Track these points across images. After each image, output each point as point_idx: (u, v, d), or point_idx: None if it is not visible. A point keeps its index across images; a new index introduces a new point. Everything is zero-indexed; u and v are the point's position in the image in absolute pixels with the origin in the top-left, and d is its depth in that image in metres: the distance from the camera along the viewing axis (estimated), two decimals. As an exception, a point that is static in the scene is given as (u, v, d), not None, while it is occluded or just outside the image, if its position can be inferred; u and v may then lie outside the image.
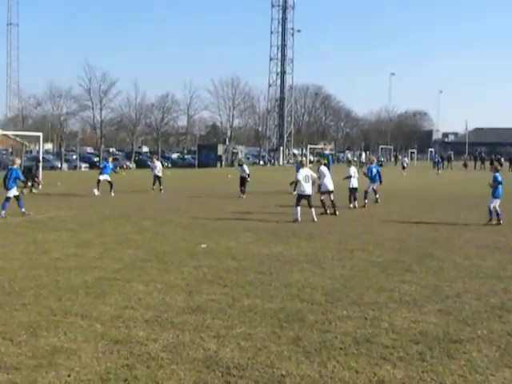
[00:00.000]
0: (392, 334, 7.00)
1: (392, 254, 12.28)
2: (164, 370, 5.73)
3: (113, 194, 25.84)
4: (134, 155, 77.39)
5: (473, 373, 5.84)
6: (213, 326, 7.13)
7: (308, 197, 17.61)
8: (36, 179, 27.65)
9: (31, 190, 26.67)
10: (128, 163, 72.91)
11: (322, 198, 19.75)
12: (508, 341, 6.82)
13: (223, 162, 77.28)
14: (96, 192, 25.83)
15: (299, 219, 17.17)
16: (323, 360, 6.12)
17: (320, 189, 19.95)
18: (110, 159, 29.71)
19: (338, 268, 10.76)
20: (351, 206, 21.92)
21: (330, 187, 19.97)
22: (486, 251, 12.77)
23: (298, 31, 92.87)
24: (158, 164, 29.90)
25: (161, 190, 28.65)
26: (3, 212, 17.48)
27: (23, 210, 17.98)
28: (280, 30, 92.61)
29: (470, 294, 8.98)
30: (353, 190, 22.29)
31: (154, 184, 29.28)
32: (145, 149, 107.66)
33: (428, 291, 9.10)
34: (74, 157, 72.70)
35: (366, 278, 9.94)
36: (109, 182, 26.67)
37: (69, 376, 5.54)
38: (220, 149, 78.40)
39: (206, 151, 78.47)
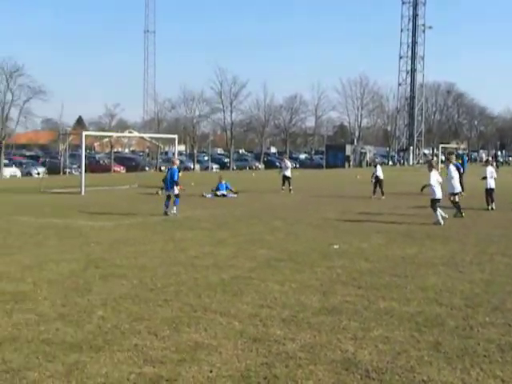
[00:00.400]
0: (540, 343, 6.62)
1: (536, 258, 11.62)
2: (303, 370, 5.77)
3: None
4: (262, 156, 78.69)
5: None
6: (349, 328, 7.09)
7: (438, 200, 16.97)
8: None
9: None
10: (257, 164, 74.28)
11: (452, 199, 19.02)
12: None
13: (351, 163, 76.68)
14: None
15: (441, 222, 16.59)
16: (466, 367, 5.90)
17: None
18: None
19: (476, 272, 10.34)
20: (489, 207, 20.99)
21: (457, 189, 19.17)
22: None
23: (430, 28, 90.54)
24: (289, 164, 30.29)
25: (290, 190, 28.85)
26: (174, 210, 18.35)
27: (174, 210, 18.50)
28: (410, 27, 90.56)
29: None
30: (489, 191, 21.33)
31: (283, 184, 29.44)
32: (273, 150, 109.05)
33: None
34: (206, 158, 75.14)
35: (507, 284, 9.47)
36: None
37: (211, 372, 5.72)
38: (348, 149, 77.88)
39: (333, 151, 78.28)
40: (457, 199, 19.00)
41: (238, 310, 7.82)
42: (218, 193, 27.16)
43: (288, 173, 29.45)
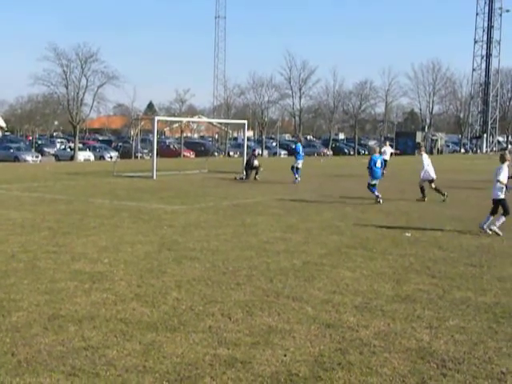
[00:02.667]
0: None
1: None
2: (377, 358, 5.72)
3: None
4: (330, 142, 78.10)
5: None
6: (424, 317, 6.98)
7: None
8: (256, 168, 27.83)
9: (255, 178, 27.26)
10: (325, 150, 73.80)
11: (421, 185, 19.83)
12: None
13: (382, 149, 75.12)
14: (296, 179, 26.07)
15: None
16: (547, 361, 5.72)
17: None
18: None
19: (557, 264, 9.98)
20: None
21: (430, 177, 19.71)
22: None
23: (507, 11, 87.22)
24: (388, 150, 33.13)
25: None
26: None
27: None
28: (486, 10, 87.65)
29: None
30: None
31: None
32: (341, 136, 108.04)
33: None
34: (274, 144, 75.20)
35: None
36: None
37: (285, 355, 5.74)
38: (418, 136, 76.29)
39: (403, 138, 76.88)
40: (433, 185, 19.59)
41: (310, 295, 7.81)
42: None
43: (387, 157, 31.61)
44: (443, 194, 19.55)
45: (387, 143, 38.05)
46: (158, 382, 5.10)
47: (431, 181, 19.75)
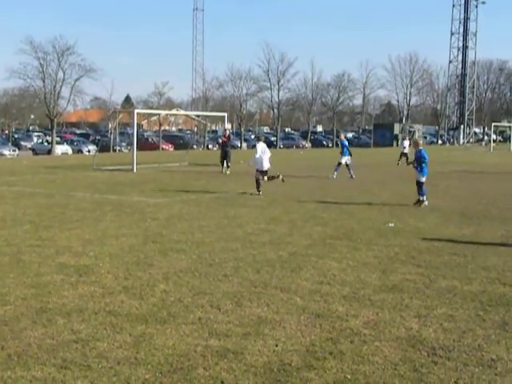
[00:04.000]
0: None
1: None
2: (368, 346, 5.76)
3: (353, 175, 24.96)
4: (309, 135, 78.31)
5: None
6: (412, 306, 7.03)
7: None
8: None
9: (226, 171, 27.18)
10: (304, 143, 73.99)
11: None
12: None
13: (399, 142, 75.66)
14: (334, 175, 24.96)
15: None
16: (536, 347, 5.80)
17: None
18: (342, 136, 28.56)
19: (538, 252, 10.12)
20: None
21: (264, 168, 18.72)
22: None
23: (483, 3, 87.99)
24: (406, 143, 35.24)
25: (398, 163, 33.48)
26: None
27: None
28: (462, 2, 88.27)
29: None
30: None
31: (399, 160, 34.06)
32: (319, 128, 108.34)
33: None
34: (252, 136, 75.22)
35: None
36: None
37: (276, 346, 5.75)
38: (396, 128, 76.80)
39: (381, 130, 77.36)
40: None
41: (297, 286, 7.83)
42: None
43: (405, 150, 34.42)
44: (278, 177, 19.16)
45: (407, 137, 41.45)
46: (150, 374, 5.08)
47: (263, 172, 18.59)
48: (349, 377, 5.09)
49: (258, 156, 18.85)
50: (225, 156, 27.41)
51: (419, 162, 16.34)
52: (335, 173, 24.93)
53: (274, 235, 11.34)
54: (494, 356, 5.55)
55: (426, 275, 8.48)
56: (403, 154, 34.24)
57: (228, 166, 27.15)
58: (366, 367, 5.29)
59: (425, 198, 16.08)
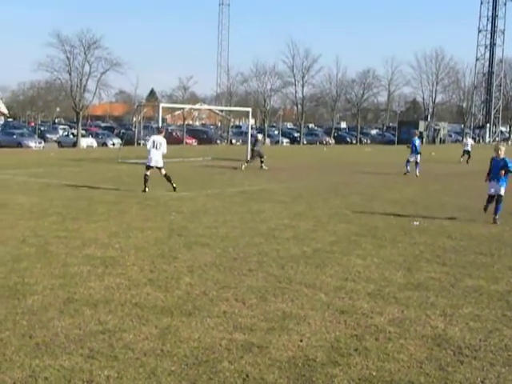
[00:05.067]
0: None
1: None
2: (393, 344, 5.74)
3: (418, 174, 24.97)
4: (333, 131, 77.97)
5: None
6: (438, 304, 6.99)
7: None
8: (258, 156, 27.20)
9: (261, 167, 26.67)
10: (327, 139, 73.73)
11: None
12: None
13: (424, 139, 75.01)
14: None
15: None
16: None
17: None
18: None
19: None
20: None
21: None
22: None
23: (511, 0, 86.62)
24: (469, 141, 37.11)
25: (462, 160, 34.82)
26: None
27: None
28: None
29: None
30: None
31: (462, 156, 35.26)
32: (343, 125, 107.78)
33: None
34: (276, 132, 75.08)
35: None
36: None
37: (301, 341, 5.76)
38: (421, 125, 76.10)
39: (406, 128, 76.44)
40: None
41: (322, 282, 7.82)
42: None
43: (468, 148, 35.53)
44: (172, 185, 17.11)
45: (468, 136, 44.82)
46: (176, 366, 5.11)
47: (158, 168, 17.26)
48: (374, 374, 5.08)
49: (147, 149, 17.37)
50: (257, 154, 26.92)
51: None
52: (407, 168, 25.60)
53: (297, 231, 11.33)
54: (521, 356, 5.51)
55: (452, 274, 8.42)
56: (466, 152, 35.45)
57: (261, 162, 26.73)
58: (391, 365, 5.27)
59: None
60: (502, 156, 13.63)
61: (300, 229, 11.58)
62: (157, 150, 17.14)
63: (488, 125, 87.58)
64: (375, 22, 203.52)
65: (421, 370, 5.19)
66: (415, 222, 12.61)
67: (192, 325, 6.11)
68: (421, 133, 70.29)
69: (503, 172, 13.28)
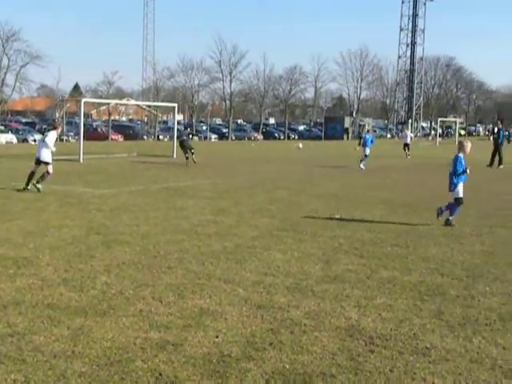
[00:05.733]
0: (542, 313, 6.68)
1: (536, 230, 11.68)
2: (308, 336, 5.81)
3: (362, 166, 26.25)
4: (261, 127, 78.42)
5: None
6: (352, 296, 7.13)
7: None
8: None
9: (193, 160, 26.93)
10: (256, 135, 74.07)
11: None
12: None
13: (350, 135, 76.54)
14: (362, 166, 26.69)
15: None
16: (468, 335, 5.95)
17: None
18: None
19: (477, 244, 10.38)
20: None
21: None
22: None
23: (431, 0, 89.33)
24: (408, 133, 38.65)
25: (408, 156, 35.83)
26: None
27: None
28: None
29: None
30: None
31: (405, 151, 36.40)
32: (271, 120, 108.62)
33: None
34: (204, 128, 74.85)
35: (507, 255, 9.53)
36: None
37: (217, 337, 5.75)
38: (347, 121, 77.61)
39: (332, 123, 78.03)
40: None
41: (241, 277, 7.84)
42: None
43: (407, 140, 36.84)
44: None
45: (405, 129, 45.96)
46: (87, 367, 5.00)
47: (45, 163, 16.45)
48: (287, 367, 5.13)
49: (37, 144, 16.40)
50: (181, 147, 27.14)
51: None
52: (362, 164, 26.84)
53: (220, 227, 11.32)
54: (429, 344, 5.67)
55: (368, 266, 8.60)
56: (406, 145, 36.66)
57: (187, 158, 26.82)
58: (305, 357, 5.33)
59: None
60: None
61: (223, 224, 11.57)
62: (45, 145, 16.38)
63: (410, 121, 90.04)
64: (302, 19, 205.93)
65: (333, 361, 5.27)
66: (336, 216, 12.82)
67: (106, 325, 6.00)
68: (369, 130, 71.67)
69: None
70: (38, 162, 16.44)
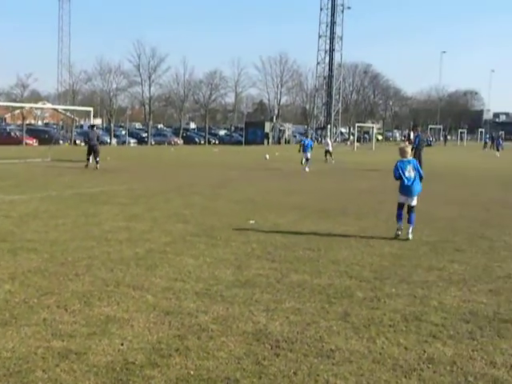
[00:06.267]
0: (441, 312, 6.94)
1: (442, 233, 12.14)
2: (214, 342, 5.81)
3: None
4: (181, 131, 78.00)
5: (525, 353, 5.75)
6: (262, 300, 7.18)
7: None
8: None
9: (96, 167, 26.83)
10: (176, 139, 73.59)
11: None
12: (562, 323, 6.69)
13: (270, 140, 77.21)
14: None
15: None
16: (372, 336, 6.11)
17: None
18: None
19: (386, 246, 10.68)
20: None
21: None
22: (539, 233, 12.51)
23: (348, 8, 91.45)
24: (328, 141, 39.79)
25: (327, 161, 36.92)
26: None
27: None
28: (330, 6, 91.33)
29: (522, 275, 8.82)
30: None
31: (325, 157, 37.31)
32: (192, 125, 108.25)
33: (478, 271, 8.98)
34: (123, 132, 73.71)
35: (415, 257, 9.85)
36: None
37: (122, 345, 5.67)
38: (267, 126, 78.24)
39: (253, 128, 78.44)
40: None
41: (151, 283, 7.76)
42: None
43: (329, 148, 38.14)
44: None
45: (326, 137, 47.12)
46: (-17, 380, 4.83)
47: None
48: (192, 373, 5.11)
49: None
50: (91, 151, 26.97)
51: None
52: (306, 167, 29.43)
53: (132, 233, 11.17)
54: (333, 346, 5.79)
55: (279, 270, 8.70)
56: (327, 152, 37.73)
57: (97, 162, 26.56)
58: (210, 362, 5.33)
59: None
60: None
61: (135, 230, 11.42)
62: None
63: (329, 126, 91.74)
64: (221, 23, 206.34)
65: (238, 365, 5.29)
66: (251, 221, 12.90)
67: (7, 334, 5.81)
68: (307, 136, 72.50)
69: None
70: None
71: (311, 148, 30.87)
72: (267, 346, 5.76)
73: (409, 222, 11.54)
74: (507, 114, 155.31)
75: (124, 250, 9.63)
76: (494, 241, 11.42)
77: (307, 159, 30.05)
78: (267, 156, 39.95)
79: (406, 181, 11.55)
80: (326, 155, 37.77)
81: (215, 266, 8.80)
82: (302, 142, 31.64)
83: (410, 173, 11.52)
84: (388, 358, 5.59)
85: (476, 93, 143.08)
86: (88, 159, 27.15)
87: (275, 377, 5.09)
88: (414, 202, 11.60)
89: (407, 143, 21.57)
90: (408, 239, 11.29)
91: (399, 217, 11.58)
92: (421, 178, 11.64)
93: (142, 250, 9.66)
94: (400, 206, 11.68)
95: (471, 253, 10.26)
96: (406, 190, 11.61)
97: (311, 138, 38.78)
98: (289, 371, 5.20)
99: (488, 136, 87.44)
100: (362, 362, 5.46)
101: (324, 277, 8.40)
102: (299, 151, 31.45)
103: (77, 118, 68.90)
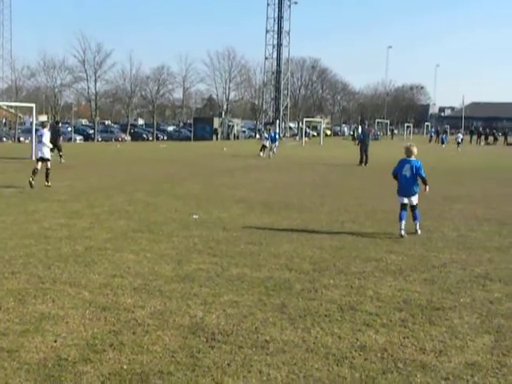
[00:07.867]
0: (376, 301, 7.10)
1: (382, 225, 12.38)
2: (150, 336, 5.81)
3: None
4: (129, 128, 77.13)
5: (453, 338, 5.94)
6: (200, 294, 7.21)
7: None
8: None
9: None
10: (123, 135, 72.74)
11: None
12: (489, 308, 6.93)
13: (219, 135, 77.13)
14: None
15: None
16: (307, 326, 6.21)
17: None
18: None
19: (327, 239, 10.83)
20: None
21: None
22: (474, 223, 12.90)
23: (295, 3, 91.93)
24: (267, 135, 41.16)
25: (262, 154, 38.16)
26: None
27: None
28: (277, 1, 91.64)
29: (455, 263, 9.09)
30: None
31: (261, 150, 38.34)
32: (140, 121, 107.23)
33: (415, 261, 9.21)
34: (69, 129, 72.44)
35: (354, 249, 10.03)
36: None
37: (55, 341, 5.61)
38: (216, 122, 78.11)
39: (201, 124, 78.21)
40: None
41: (88, 280, 7.69)
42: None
43: (266, 143, 38.97)
44: None
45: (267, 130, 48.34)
46: None
47: None
48: (125, 367, 5.10)
49: None
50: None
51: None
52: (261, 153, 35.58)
53: (72, 230, 11.03)
54: (268, 337, 5.86)
55: (220, 264, 8.73)
56: (264, 147, 38.88)
57: (60, 156, 27.99)
58: (144, 357, 5.33)
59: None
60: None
61: (76, 227, 11.28)
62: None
63: (278, 121, 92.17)
64: (167, 19, 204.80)
65: (172, 358, 5.31)
66: (194, 216, 12.89)
67: None
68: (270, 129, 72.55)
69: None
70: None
71: (278, 136, 35.52)
72: (203, 338, 5.79)
73: (414, 219, 11.58)
74: (452, 108, 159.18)
75: (63, 248, 9.51)
76: (432, 232, 11.72)
77: (275, 145, 36.56)
78: (225, 148, 41.23)
79: (400, 179, 11.59)
80: (261, 149, 38.78)
81: (155, 262, 8.78)
82: (270, 134, 37.94)
83: (405, 172, 11.51)
84: (321, 347, 5.69)
85: (422, 87, 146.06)
86: (60, 155, 28.09)
87: (209, 368, 5.13)
88: (415, 202, 11.63)
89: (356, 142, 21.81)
90: (416, 232, 11.42)
91: (401, 217, 11.45)
92: (422, 179, 11.58)
93: (81, 247, 9.56)
94: (402, 207, 11.56)
95: (409, 244, 10.50)
96: (400, 190, 11.64)
97: (274, 131, 41.94)
98: (223, 363, 5.25)
99: (433, 130, 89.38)
100: (295, 352, 5.54)
101: (264, 270, 8.47)
102: (271, 142, 37.70)
103: (21, 115, 67.35)
